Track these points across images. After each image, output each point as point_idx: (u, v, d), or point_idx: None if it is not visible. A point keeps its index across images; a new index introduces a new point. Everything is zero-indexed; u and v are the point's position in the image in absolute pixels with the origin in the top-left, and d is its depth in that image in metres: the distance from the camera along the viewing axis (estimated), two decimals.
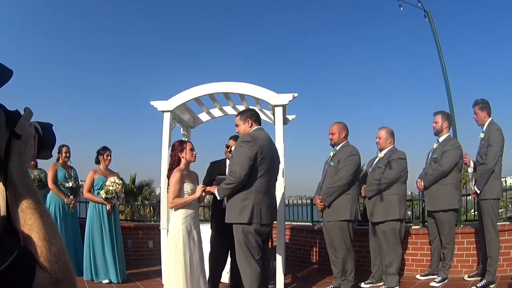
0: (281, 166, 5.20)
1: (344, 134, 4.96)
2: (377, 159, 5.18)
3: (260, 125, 4.22)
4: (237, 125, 4.20)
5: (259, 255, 3.88)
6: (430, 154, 5.19)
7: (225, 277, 5.04)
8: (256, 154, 3.81)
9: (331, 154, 4.96)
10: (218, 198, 4.04)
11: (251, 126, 4.11)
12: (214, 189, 4.02)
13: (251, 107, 6.30)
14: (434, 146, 5.13)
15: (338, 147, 4.93)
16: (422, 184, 5.08)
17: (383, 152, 5.11)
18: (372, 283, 5.17)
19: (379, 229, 5.00)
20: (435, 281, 4.88)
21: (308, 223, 7.35)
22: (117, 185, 5.51)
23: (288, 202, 7.98)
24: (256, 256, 3.86)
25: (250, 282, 3.80)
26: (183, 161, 4.12)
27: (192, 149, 4.20)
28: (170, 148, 4.29)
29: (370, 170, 5.25)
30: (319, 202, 4.87)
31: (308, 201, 7.52)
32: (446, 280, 4.89)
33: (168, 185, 4.07)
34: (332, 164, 4.85)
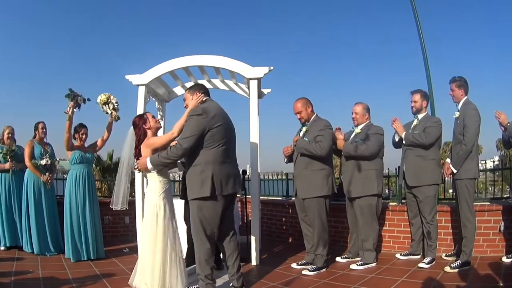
0: (256, 140, 5.20)
1: (310, 109, 4.82)
2: (353, 134, 5.06)
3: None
4: (185, 99, 3.96)
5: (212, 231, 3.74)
6: (411, 130, 5.01)
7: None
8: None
9: (304, 129, 4.83)
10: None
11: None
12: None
13: (226, 80, 6.24)
14: (415, 123, 5.00)
15: (309, 123, 4.82)
16: (404, 142, 4.93)
17: (360, 127, 5.01)
18: (349, 258, 5.15)
19: (356, 204, 4.96)
20: (424, 262, 4.69)
21: (283, 198, 7.35)
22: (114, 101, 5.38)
23: (264, 177, 7.94)
24: (208, 232, 3.71)
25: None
26: (149, 132, 3.92)
27: (153, 117, 4.00)
28: (132, 127, 3.97)
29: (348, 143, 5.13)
30: (290, 148, 4.95)
31: (284, 176, 7.50)
32: (434, 262, 4.73)
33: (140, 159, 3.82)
34: (307, 139, 4.74)
